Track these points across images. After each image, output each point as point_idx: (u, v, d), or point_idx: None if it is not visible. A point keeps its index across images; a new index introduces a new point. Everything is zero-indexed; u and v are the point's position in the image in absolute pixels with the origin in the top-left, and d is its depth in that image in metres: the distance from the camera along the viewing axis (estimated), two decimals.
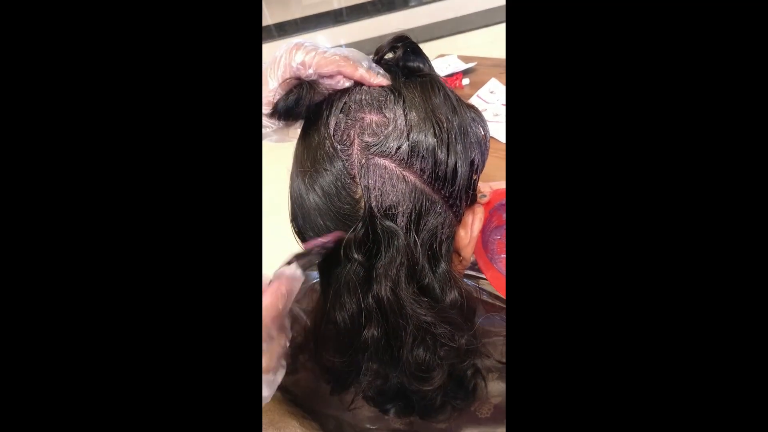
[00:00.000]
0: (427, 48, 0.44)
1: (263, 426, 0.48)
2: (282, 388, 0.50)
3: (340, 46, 0.38)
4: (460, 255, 0.41)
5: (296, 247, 0.37)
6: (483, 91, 1.26)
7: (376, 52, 0.40)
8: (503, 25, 2.48)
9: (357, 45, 0.36)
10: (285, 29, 2.48)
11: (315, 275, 0.58)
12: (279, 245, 0.38)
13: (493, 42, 1.75)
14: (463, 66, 1.38)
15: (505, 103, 1.19)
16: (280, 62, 0.37)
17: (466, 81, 1.33)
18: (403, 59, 0.39)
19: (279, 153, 0.45)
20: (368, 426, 0.43)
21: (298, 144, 0.39)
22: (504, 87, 1.23)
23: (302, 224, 0.38)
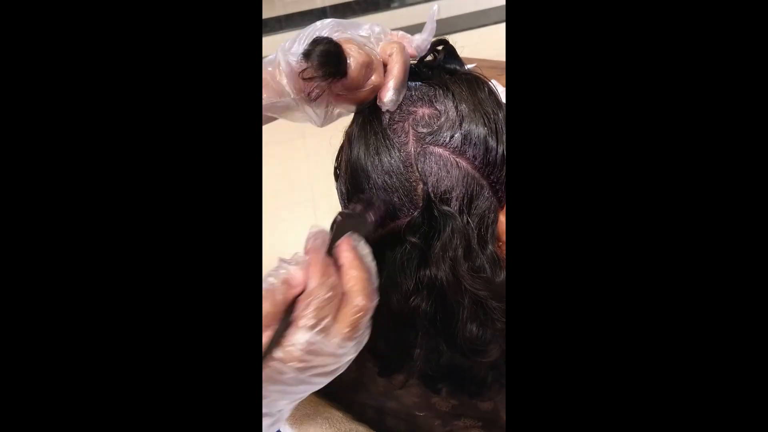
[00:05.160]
0: None
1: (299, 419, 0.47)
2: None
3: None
4: (500, 241, 0.43)
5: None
6: None
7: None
8: (493, 27, 2.53)
9: None
10: (268, 25, 2.45)
11: None
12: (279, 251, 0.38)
13: (477, 44, 1.77)
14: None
15: (504, 105, 1.20)
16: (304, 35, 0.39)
17: None
18: (443, 61, 0.43)
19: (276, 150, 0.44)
20: (416, 412, 0.44)
21: (356, 133, 0.41)
22: (504, 88, 1.25)
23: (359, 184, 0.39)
